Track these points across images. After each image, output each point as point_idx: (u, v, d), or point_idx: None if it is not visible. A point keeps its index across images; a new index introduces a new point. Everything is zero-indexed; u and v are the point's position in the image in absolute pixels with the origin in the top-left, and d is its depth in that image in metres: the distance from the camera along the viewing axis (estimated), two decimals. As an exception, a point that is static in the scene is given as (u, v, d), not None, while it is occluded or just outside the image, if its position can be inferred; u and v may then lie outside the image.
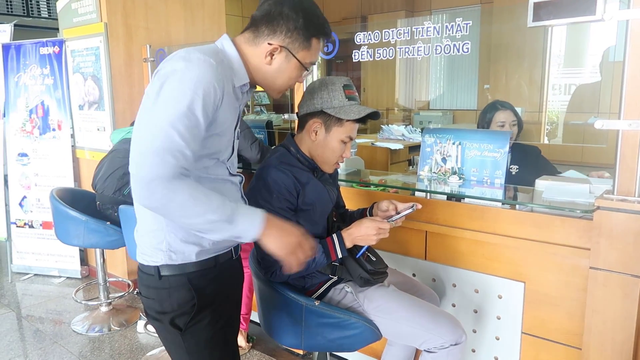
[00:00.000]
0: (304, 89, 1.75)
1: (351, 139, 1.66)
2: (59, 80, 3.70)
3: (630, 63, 1.56)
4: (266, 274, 1.61)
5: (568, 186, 1.84)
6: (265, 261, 1.58)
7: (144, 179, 1.10)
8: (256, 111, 7.42)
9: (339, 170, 2.53)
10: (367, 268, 1.65)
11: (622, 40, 1.58)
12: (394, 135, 5.04)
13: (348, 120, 1.62)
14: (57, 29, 3.89)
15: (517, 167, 2.27)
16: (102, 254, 3.12)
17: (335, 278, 1.69)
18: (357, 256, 1.65)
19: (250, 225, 1.19)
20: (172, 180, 1.10)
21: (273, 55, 1.33)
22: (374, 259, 1.73)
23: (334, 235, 1.60)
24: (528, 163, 2.38)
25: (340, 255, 1.60)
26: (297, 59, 1.35)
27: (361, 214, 1.82)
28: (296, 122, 1.77)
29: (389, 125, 5.28)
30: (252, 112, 7.36)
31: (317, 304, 1.58)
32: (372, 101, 8.78)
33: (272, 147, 2.18)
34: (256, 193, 1.59)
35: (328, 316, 1.58)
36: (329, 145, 1.65)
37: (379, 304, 1.66)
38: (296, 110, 1.76)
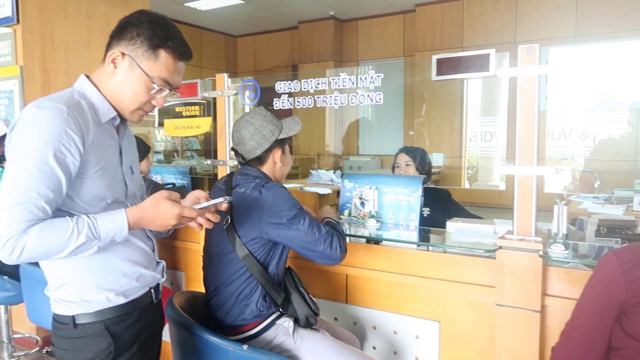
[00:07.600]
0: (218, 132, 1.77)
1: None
2: (-33, 124, 3.48)
3: (521, 114, 1.72)
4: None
5: (475, 227, 1.96)
6: None
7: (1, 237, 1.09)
8: (186, 156, 7.31)
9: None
10: (313, 308, 1.71)
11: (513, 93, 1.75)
12: (323, 180, 5.14)
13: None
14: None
15: (429, 209, 2.38)
16: (7, 308, 2.88)
17: (278, 313, 1.69)
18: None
19: (117, 226, 1.19)
20: (27, 231, 1.10)
21: (115, 62, 1.30)
22: (314, 302, 1.77)
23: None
24: (439, 206, 2.51)
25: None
26: (140, 68, 1.29)
27: None
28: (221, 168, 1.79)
29: (318, 170, 5.39)
30: (182, 157, 7.24)
31: (245, 348, 1.54)
32: (303, 147, 8.94)
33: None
34: (263, 216, 1.63)
35: (258, 362, 1.54)
36: (288, 164, 1.87)
37: (309, 346, 1.67)
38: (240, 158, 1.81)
